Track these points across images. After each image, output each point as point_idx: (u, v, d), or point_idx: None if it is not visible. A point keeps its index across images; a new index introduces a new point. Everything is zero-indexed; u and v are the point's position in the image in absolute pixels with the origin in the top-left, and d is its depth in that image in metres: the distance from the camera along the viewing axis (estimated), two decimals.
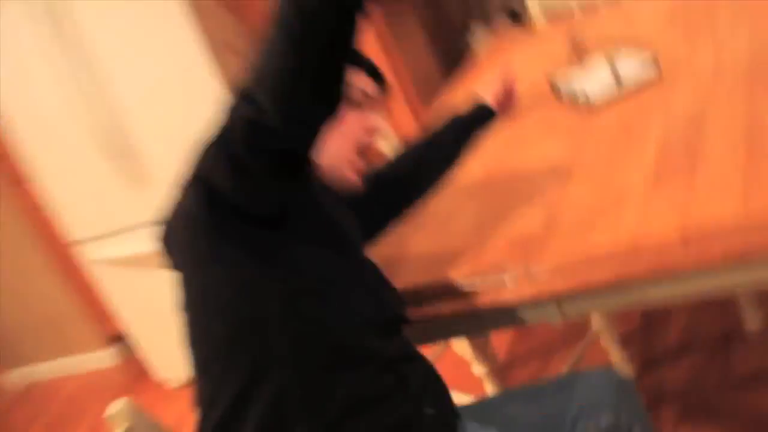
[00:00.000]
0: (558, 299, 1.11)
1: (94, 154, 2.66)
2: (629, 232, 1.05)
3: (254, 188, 0.96)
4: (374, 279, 1.12)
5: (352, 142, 1.13)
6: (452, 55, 2.76)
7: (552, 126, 1.54)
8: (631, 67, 1.50)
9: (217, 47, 2.49)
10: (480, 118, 1.38)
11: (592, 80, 1.52)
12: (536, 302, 1.12)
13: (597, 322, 1.85)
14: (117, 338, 3.22)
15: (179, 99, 2.51)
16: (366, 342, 1.02)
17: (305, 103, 0.88)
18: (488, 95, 1.39)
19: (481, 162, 1.47)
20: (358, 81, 1.12)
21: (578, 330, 2.06)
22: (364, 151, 1.15)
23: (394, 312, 1.10)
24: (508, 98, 1.41)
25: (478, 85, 1.48)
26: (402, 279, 1.20)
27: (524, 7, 2.57)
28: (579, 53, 1.66)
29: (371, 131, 1.15)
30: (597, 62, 1.57)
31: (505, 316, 1.15)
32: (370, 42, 2.61)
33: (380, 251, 1.27)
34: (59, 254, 3.13)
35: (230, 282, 0.98)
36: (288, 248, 1.00)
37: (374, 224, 1.27)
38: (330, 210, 1.08)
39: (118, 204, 2.71)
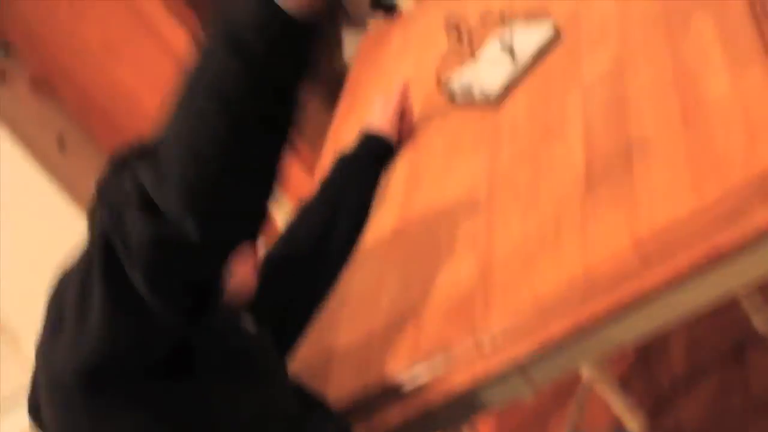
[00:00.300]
0: (521, 367, 0.94)
1: None
2: (576, 263, 0.90)
3: (151, 331, 0.75)
4: (300, 406, 0.95)
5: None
6: (335, 80, 2.62)
7: (456, 141, 1.34)
8: (525, 38, 1.31)
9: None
10: (372, 150, 1.22)
11: (485, 70, 1.32)
12: (497, 377, 0.95)
13: (587, 369, 1.67)
14: None
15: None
16: None
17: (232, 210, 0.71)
18: (382, 124, 1.24)
19: (388, 210, 1.28)
20: None
21: (569, 384, 1.89)
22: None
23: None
24: (404, 122, 1.26)
25: (367, 115, 1.34)
26: (334, 389, 1.02)
27: None
28: (462, 41, 1.44)
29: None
30: (485, 46, 1.37)
31: (466, 405, 0.98)
32: None
33: (302, 356, 1.09)
34: None
35: None
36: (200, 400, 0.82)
37: (288, 325, 1.08)
38: (233, 335, 0.92)
39: None
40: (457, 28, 1.43)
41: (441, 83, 1.37)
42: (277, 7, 0.63)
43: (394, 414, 0.98)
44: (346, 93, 1.81)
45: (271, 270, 1.06)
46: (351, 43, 2.44)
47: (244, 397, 0.85)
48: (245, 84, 0.64)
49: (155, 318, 0.71)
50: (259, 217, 0.73)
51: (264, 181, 0.71)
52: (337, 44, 2.55)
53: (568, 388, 1.89)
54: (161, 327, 0.72)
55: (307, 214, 1.17)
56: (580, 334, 0.89)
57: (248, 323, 0.95)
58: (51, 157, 2.41)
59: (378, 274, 1.21)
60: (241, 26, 0.63)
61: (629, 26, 1.20)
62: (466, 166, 1.26)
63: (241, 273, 0.94)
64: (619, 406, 1.64)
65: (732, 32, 1.02)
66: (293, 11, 0.63)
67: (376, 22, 2.33)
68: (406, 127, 1.27)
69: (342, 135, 1.56)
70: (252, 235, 0.75)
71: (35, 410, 0.85)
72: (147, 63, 2.43)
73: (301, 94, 0.69)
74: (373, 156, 1.21)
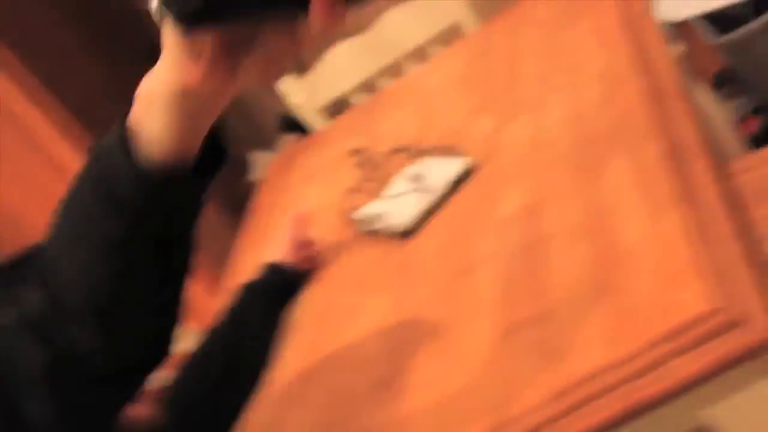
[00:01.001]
0: None
1: None
2: (489, 411, 0.88)
3: None
4: None
5: None
6: (240, 200, 2.65)
7: (365, 276, 1.35)
8: (438, 172, 1.33)
9: None
10: (275, 282, 1.24)
11: (395, 203, 1.33)
12: None
13: None
14: None
15: None
16: None
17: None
18: (284, 255, 1.27)
19: (297, 350, 1.25)
20: None
21: None
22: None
23: None
24: (306, 253, 1.28)
25: (267, 249, 1.38)
26: None
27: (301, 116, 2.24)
28: (372, 171, 1.46)
29: None
30: (396, 178, 1.39)
31: None
32: None
33: None
34: None
35: None
36: None
37: None
38: None
39: None
40: (368, 159, 1.46)
41: (348, 215, 1.38)
42: (146, 160, 0.61)
43: None
44: (252, 215, 1.82)
45: (178, 400, 1.07)
46: (259, 164, 2.51)
47: None
48: (127, 237, 0.63)
49: None
50: (162, 344, 0.73)
51: (162, 314, 0.71)
52: (243, 165, 2.63)
53: None
54: None
55: (210, 346, 1.17)
56: None
57: None
58: None
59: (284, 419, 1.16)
60: (116, 180, 0.62)
61: (545, 164, 1.23)
62: (375, 304, 1.24)
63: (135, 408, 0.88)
64: None
65: (649, 176, 1.05)
66: (162, 163, 0.62)
67: (286, 143, 2.47)
68: (308, 258, 1.29)
69: (246, 258, 1.59)
70: (156, 362, 0.74)
71: None
72: (33, 181, 2.42)
73: (193, 236, 0.69)
74: (277, 287, 1.22)
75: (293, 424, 1.13)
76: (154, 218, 0.62)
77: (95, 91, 2.46)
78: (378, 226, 1.32)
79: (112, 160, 0.61)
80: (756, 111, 2.12)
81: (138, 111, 0.59)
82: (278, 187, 1.86)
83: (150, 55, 0.65)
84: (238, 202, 2.33)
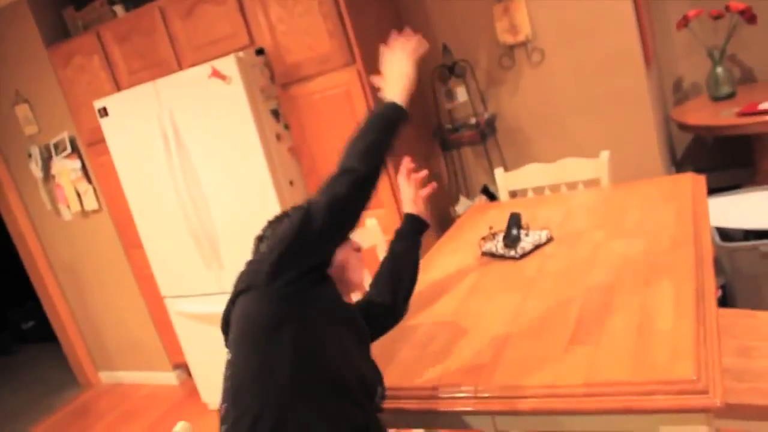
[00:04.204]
0: (492, 414, 1.42)
1: (186, 237, 3.28)
2: (551, 377, 1.35)
3: (344, 226, 1.29)
4: (368, 355, 1.41)
5: (352, 255, 1.50)
6: (445, 222, 3.37)
7: (501, 281, 1.89)
8: (530, 237, 1.99)
9: (280, 181, 3.11)
10: (414, 224, 1.73)
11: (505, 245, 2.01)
12: (477, 413, 1.42)
13: None
14: (180, 365, 4.26)
15: (252, 206, 3.08)
16: (356, 391, 1.28)
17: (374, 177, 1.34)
18: (411, 206, 1.75)
19: (452, 305, 1.81)
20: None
21: None
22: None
23: (376, 379, 1.38)
24: (418, 200, 1.76)
25: (404, 204, 1.81)
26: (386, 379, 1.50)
27: (495, 188, 3.21)
28: (495, 232, 2.14)
29: (358, 247, 1.55)
30: (529, 232, 2.07)
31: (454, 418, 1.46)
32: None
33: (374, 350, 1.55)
34: (154, 301, 4.07)
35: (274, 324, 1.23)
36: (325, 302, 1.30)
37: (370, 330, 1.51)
38: (340, 300, 1.38)
39: (196, 275, 3.33)
40: (514, 220, 2.15)
41: (480, 248, 2.12)
42: (400, 107, 1.40)
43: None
44: (449, 232, 2.54)
45: (366, 303, 1.60)
46: (462, 206, 3.37)
47: (342, 332, 1.30)
48: (389, 127, 1.36)
49: (354, 218, 1.28)
50: (379, 173, 1.35)
51: (384, 160, 1.34)
52: (455, 203, 3.49)
53: None
54: (350, 225, 1.29)
55: (384, 269, 1.69)
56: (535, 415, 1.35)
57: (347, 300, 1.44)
58: None
59: (435, 328, 1.71)
60: (388, 111, 1.38)
61: (626, 269, 1.66)
62: (505, 296, 1.76)
63: (351, 261, 1.48)
64: None
65: (683, 298, 1.46)
66: (405, 107, 1.39)
67: (479, 201, 3.24)
68: (419, 202, 1.77)
69: (432, 262, 2.23)
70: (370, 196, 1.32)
71: (225, 325, 1.34)
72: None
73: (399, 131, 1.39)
74: (414, 229, 1.74)
75: (437, 336, 1.64)
76: (397, 122, 1.35)
77: None
78: (496, 254, 2.02)
79: (382, 105, 1.36)
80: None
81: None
82: (464, 222, 2.62)
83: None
84: (448, 223, 3.23)
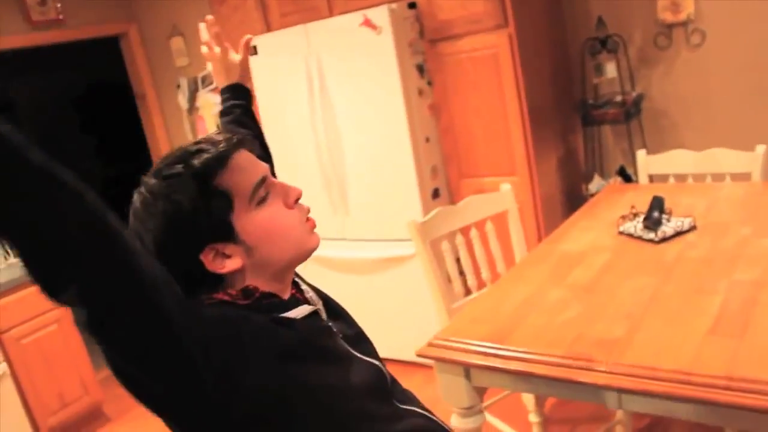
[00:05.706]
0: (620, 392, 1.42)
1: (318, 180, 3.36)
2: (685, 358, 1.36)
3: None
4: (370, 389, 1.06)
5: (290, 213, 1.05)
6: (575, 198, 3.39)
7: (637, 262, 1.90)
8: (673, 222, 1.98)
9: (417, 136, 3.17)
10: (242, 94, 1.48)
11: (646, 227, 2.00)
12: (605, 388, 1.42)
13: (620, 414, 2.22)
14: None
15: (385, 158, 3.12)
16: (373, 408, 1.02)
17: None
18: (236, 71, 1.48)
19: (585, 279, 1.83)
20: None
21: (606, 413, 2.39)
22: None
23: (376, 378, 1.09)
24: (246, 61, 1.48)
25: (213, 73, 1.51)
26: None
27: (634, 170, 3.13)
28: (635, 213, 2.12)
29: (294, 194, 1.06)
30: (671, 218, 2.05)
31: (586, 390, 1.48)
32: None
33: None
34: None
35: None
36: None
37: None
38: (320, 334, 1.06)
39: (323, 219, 3.32)
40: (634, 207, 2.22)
41: (618, 226, 2.15)
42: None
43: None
44: (584, 208, 2.60)
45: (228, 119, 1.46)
46: (595, 185, 3.37)
47: (328, 371, 0.99)
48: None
49: None
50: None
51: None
52: (587, 181, 3.45)
53: (603, 415, 2.37)
54: None
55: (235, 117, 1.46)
56: (666, 397, 1.34)
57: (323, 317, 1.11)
58: None
59: (568, 298, 1.77)
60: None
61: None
62: (642, 278, 1.78)
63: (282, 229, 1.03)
64: None
65: None
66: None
67: (614, 182, 3.26)
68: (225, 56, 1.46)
69: (566, 234, 2.25)
70: None
71: None
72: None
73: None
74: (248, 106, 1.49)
75: (570, 304, 1.69)
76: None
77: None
78: (635, 234, 2.03)
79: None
80: None
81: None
82: (600, 200, 2.64)
83: None
84: (579, 200, 3.28)
